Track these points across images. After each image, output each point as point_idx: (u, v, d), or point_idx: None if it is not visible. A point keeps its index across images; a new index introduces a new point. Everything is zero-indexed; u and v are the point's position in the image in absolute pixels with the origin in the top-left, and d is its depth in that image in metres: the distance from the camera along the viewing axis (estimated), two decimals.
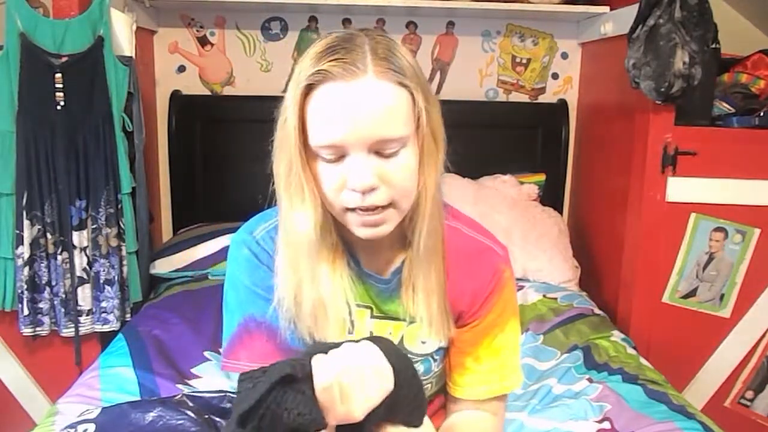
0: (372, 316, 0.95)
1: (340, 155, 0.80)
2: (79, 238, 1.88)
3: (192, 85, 2.51)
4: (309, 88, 0.80)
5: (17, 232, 1.85)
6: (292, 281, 0.88)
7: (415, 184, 0.85)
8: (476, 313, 0.96)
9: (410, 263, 0.92)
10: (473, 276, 0.95)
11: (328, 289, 0.88)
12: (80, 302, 1.91)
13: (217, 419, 1.23)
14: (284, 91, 0.85)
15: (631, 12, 1.89)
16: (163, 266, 2.21)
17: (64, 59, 1.83)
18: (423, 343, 0.97)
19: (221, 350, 0.93)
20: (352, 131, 0.78)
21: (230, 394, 1.45)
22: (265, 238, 0.93)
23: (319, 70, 0.78)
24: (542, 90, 2.61)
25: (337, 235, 0.90)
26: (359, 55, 0.79)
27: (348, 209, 0.83)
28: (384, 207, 0.82)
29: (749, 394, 2.12)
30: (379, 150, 0.80)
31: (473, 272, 0.96)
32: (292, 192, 0.83)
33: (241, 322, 0.92)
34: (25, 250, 1.85)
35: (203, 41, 2.49)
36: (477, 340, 0.97)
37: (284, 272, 0.89)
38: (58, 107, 1.83)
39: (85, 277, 1.91)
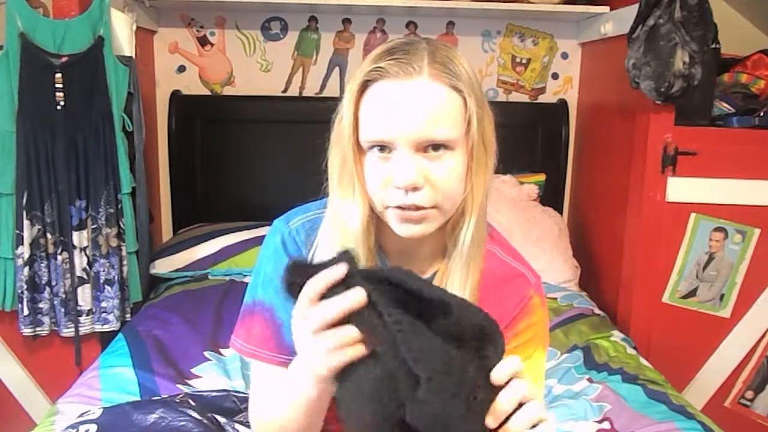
0: None
1: (388, 151, 0.82)
2: (79, 238, 1.88)
3: (192, 85, 2.51)
4: (365, 85, 0.82)
5: (17, 232, 1.85)
6: None
7: (461, 189, 0.85)
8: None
9: (445, 273, 0.91)
10: (501, 301, 0.93)
11: None
12: (80, 302, 1.91)
13: (220, 418, 1.23)
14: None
15: (631, 12, 1.89)
16: (163, 266, 2.21)
17: (64, 59, 1.82)
18: None
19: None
20: (400, 128, 0.79)
21: (232, 393, 1.45)
22: (298, 229, 0.94)
23: (376, 67, 0.80)
24: (542, 90, 2.61)
25: (374, 240, 0.90)
26: (416, 57, 0.81)
27: (390, 206, 0.84)
28: (423, 208, 0.82)
29: (749, 394, 2.12)
30: (427, 150, 0.81)
31: (502, 297, 0.93)
32: (344, 186, 0.85)
33: (249, 302, 0.94)
34: (25, 250, 1.85)
35: (203, 41, 2.49)
36: None
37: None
38: (58, 107, 1.83)
39: (85, 277, 1.91)
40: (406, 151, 0.80)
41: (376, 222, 0.88)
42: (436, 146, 0.81)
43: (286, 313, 0.91)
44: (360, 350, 0.65)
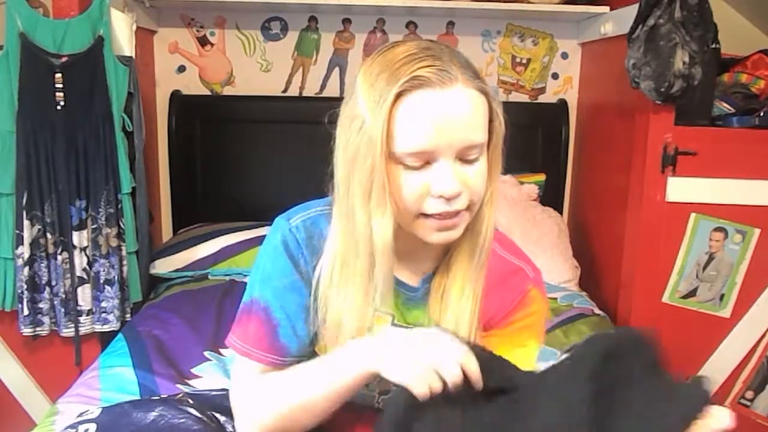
0: (393, 324, 0.95)
1: (425, 161, 0.80)
2: (79, 238, 1.88)
3: (192, 85, 2.51)
4: (398, 96, 0.79)
5: (17, 232, 1.85)
6: (348, 293, 0.87)
7: (484, 191, 0.86)
8: (498, 324, 0.95)
9: (447, 270, 0.91)
10: (501, 297, 0.94)
11: (367, 296, 0.88)
12: (80, 302, 1.91)
13: (219, 416, 1.23)
14: (344, 99, 0.85)
15: (631, 12, 1.89)
16: (163, 266, 2.21)
17: (64, 59, 1.83)
18: None
19: None
20: (443, 138, 0.78)
21: None
22: (299, 227, 0.93)
23: (415, 76, 0.78)
24: (542, 90, 2.61)
25: None
26: (448, 64, 0.79)
27: (426, 215, 0.83)
28: (460, 212, 0.83)
29: (749, 394, 2.12)
30: (463, 156, 0.81)
31: (502, 293, 0.95)
32: (373, 202, 0.82)
33: (247, 300, 0.94)
34: (25, 250, 1.85)
35: (203, 41, 2.49)
36: (493, 349, 0.96)
37: (336, 286, 0.88)
38: (58, 107, 1.83)
39: (85, 277, 1.91)
40: (446, 160, 0.80)
41: None
42: (473, 151, 0.81)
43: (282, 312, 0.91)
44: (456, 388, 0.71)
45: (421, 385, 0.71)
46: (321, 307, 0.90)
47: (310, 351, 0.94)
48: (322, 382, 0.84)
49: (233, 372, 0.97)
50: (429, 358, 0.73)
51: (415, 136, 0.79)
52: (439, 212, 0.81)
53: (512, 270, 0.96)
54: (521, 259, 0.98)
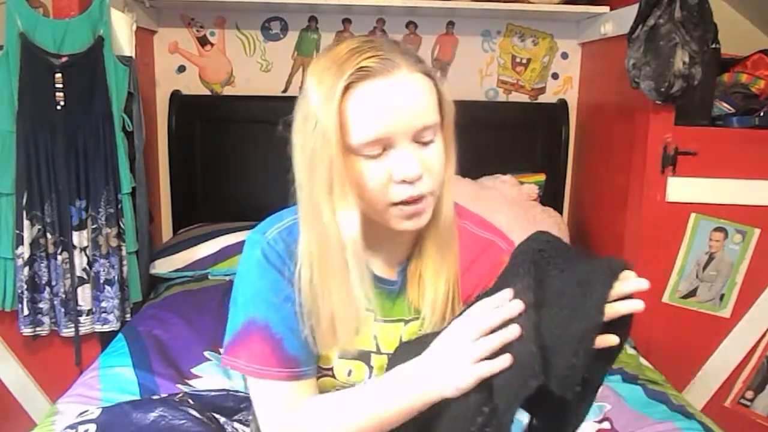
0: (375, 320, 0.95)
1: (383, 149, 0.82)
2: (79, 238, 1.88)
3: (192, 85, 2.51)
4: (345, 89, 0.80)
5: (17, 232, 1.85)
6: (333, 292, 0.87)
7: (444, 172, 0.88)
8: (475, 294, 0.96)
9: (420, 255, 0.93)
10: (478, 271, 0.96)
11: (351, 295, 0.88)
12: (80, 302, 1.91)
13: (219, 417, 1.23)
14: (296, 99, 0.86)
15: (631, 12, 1.89)
16: (163, 266, 2.21)
17: (64, 59, 1.83)
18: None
19: (224, 343, 0.94)
20: (396, 123, 0.81)
21: (231, 393, 1.45)
22: (276, 240, 0.92)
23: (360, 67, 0.80)
24: (542, 90, 2.61)
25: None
26: (389, 52, 0.82)
27: (393, 204, 0.84)
28: (425, 196, 0.84)
29: (749, 394, 2.12)
30: (419, 139, 0.83)
31: (478, 267, 0.96)
32: (335, 195, 0.83)
33: (243, 322, 0.92)
34: (25, 250, 1.85)
35: (203, 41, 2.49)
36: None
37: (318, 288, 0.88)
38: (58, 107, 1.83)
39: (85, 277, 1.91)
40: (404, 144, 0.82)
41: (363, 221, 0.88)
42: (427, 132, 0.83)
43: (283, 325, 0.90)
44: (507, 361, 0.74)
45: (493, 367, 0.74)
46: (309, 313, 0.89)
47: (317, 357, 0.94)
48: (390, 412, 0.83)
49: (256, 401, 0.93)
50: (468, 353, 0.76)
51: (368, 126, 0.81)
52: (405, 198, 0.83)
53: (485, 244, 0.98)
54: (493, 233, 1.00)
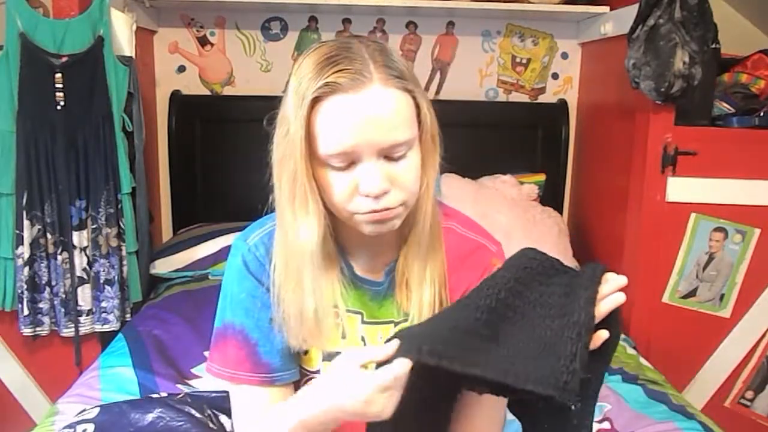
0: (363, 322, 0.95)
1: (350, 162, 0.81)
2: (79, 238, 1.88)
3: (192, 85, 2.51)
4: (315, 101, 0.80)
5: (17, 232, 1.85)
6: (290, 291, 0.89)
7: (419, 182, 0.87)
8: None
9: (405, 259, 0.93)
10: (466, 274, 0.96)
11: (321, 297, 0.89)
12: (80, 302, 1.91)
13: (220, 416, 1.23)
14: (282, 98, 0.85)
15: (631, 12, 1.89)
16: (163, 266, 2.21)
17: (64, 59, 1.83)
18: None
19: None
20: (364, 139, 0.79)
21: None
22: (257, 245, 0.93)
23: (327, 82, 0.79)
24: (542, 90, 2.61)
25: (333, 242, 0.91)
26: (361, 64, 0.80)
27: (358, 213, 0.84)
28: (392, 208, 0.84)
29: (749, 394, 2.12)
30: (389, 154, 0.82)
31: (466, 270, 0.96)
32: (296, 203, 0.84)
33: (220, 326, 0.95)
34: (25, 250, 1.85)
35: (203, 41, 2.49)
36: None
37: (282, 283, 0.89)
38: (58, 107, 1.83)
39: (85, 277, 1.91)
40: (370, 160, 0.81)
41: (333, 225, 0.88)
42: (398, 149, 0.82)
43: (258, 331, 0.92)
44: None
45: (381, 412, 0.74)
46: (281, 315, 0.89)
47: (297, 361, 0.95)
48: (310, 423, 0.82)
49: (232, 406, 0.96)
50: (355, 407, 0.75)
51: (334, 139, 0.80)
52: (368, 210, 0.83)
53: (474, 247, 0.98)
54: (482, 235, 1.00)
